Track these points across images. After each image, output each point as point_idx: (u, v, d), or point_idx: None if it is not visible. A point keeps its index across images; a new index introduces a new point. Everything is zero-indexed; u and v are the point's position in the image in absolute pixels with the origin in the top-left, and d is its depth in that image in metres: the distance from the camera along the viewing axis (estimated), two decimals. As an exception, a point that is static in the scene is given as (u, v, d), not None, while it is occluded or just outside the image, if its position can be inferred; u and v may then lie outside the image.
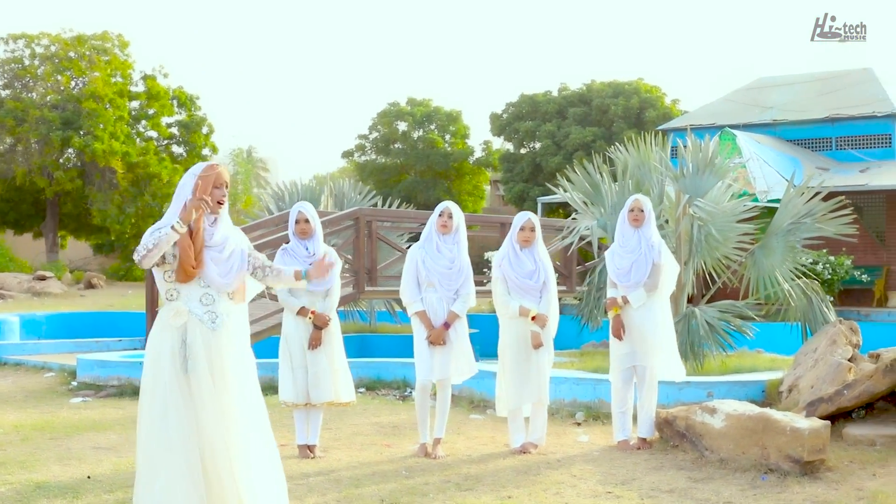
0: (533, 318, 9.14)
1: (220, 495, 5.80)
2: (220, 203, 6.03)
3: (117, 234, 39.51)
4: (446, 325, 8.98)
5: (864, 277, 25.69)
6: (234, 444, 5.88)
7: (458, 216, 9.16)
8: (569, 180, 15.81)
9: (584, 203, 15.63)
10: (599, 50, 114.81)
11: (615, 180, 15.52)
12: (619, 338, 9.36)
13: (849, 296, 25.44)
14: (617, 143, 16.10)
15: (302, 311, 8.81)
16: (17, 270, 35.15)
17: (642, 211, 9.44)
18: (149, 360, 5.98)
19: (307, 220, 8.90)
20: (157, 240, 5.79)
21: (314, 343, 8.81)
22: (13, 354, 16.10)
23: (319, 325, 8.83)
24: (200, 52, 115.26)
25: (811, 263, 22.03)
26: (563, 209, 36.20)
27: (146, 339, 16.16)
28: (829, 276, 23.86)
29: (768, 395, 10.89)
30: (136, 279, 40.01)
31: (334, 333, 8.97)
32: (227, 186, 6.06)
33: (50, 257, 39.40)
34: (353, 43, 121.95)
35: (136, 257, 5.86)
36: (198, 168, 6.05)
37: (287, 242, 9.02)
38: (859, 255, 26.20)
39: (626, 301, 9.35)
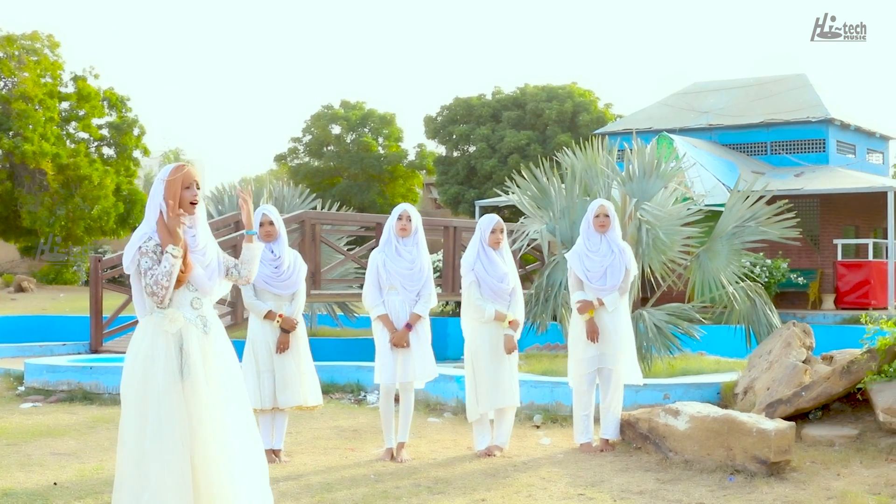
0: (510, 323, 9.18)
1: (210, 502, 5.74)
2: (192, 203, 5.89)
3: (47, 236, 38.98)
4: (409, 327, 8.98)
5: (801, 280, 26.08)
6: (227, 448, 5.81)
7: (417, 218, 9.18)
8: (516, 184, 15.86)
9: (532, 207, 15.69)
10: (533, 54, 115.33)
11: (562, 182, 15.60)
12: (595, 340, 9.39)
13: (784, 298, 25.83)
14: (564, 148, 16.16)
15: (269, 315, 8.77)
16: (-56, 274, 34.61)
17: (608, 216, 9.50)
18: (136, 368, 5.82)
19: (271, 223, 8.87)
20: (168, 273, 5.71)
21: (282, 347, 8.77)
22: (-46, 359, 15.86)
23: (287, 328, 8.80)
24: (131, 52, 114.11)
25: (750, 266, 22.33)
26: (498, 212, 36.34)
27: (91, 344, 15.94)
28: (767, 280, 24.19)
29: (723, 397, 11.01)
30: (66, 282, 39.54)
31: (301, 337, 8.95)
32: (198, 186, 5.93)
33: (-23, 260, 38.86)
34: (284, 46, 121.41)
35: (156, 299, 5.76)
36: (165, 172, 5.93)
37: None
38: (794, 259, 26.63)
39: (601, 303, 9.40)
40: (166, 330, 5.81)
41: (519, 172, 15.67)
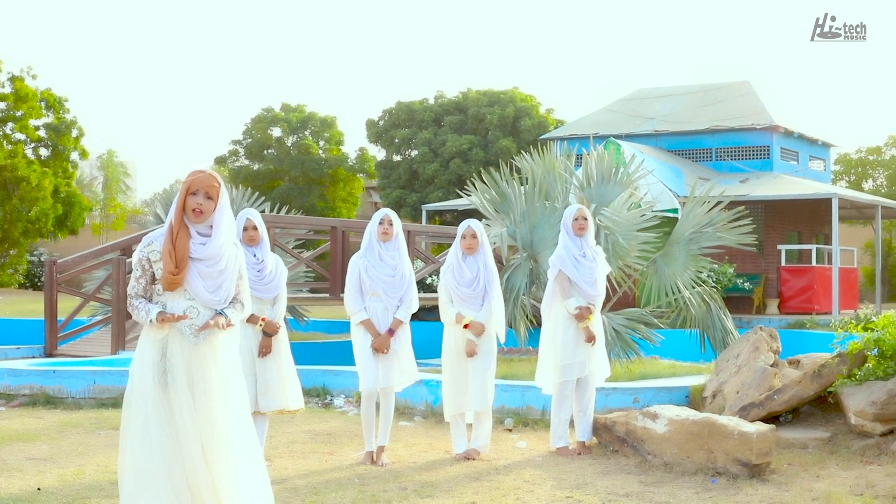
0: (465, 326, 9.21)
1: None
2: (195, 211, 5.74)
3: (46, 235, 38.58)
4: (390, 332, 8.99)
5: (747, 285, 26.41)
6: (216, 461, 5.72)
7: (398, 223, 9.19)
8: (475, 187, 15.92)
9: (491, 210, 15.76)
10: (475, 59, 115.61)
11: (522, 185, 15.69)
12: (594, 344, 9.50)
13: (729, 303, 26.03)
14: (524, 153, 16.25)
15: (251, 319, 8.71)
16: None
17: (586, 219, 9.58)
18: (133, 372, 5.82)
19: (255, 228, 8.81)
20: (139, 318, 5.82)
21: (264, 351, 8.74)
22: None
23: (270, 332, 8.76)
24: (69, 53, 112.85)
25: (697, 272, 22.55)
26: (440, 216, 36.41)
27: (45, 347, 15.77)
28: (714, 285, 24.45)
29: (692, 401, 11.12)
30: (2, 285, 39.05)
31: (282, 341, 8.91)
32: (208, 195, 5.75)
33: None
34: (225, 47, 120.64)
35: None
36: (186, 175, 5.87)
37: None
38: (739, 264, 26.96)
39: (591, 309, 9.52)
40: (153, 336, 5.78)
41: (464, 177, 15.81)
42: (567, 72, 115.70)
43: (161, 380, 5.71)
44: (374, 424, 9.07)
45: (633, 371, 13.91)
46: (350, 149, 50.64)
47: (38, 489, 7.80)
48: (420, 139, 42.21)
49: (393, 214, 9.17)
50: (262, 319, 8.74)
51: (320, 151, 47.05)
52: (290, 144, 47.15)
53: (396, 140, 43.35)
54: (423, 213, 32.58)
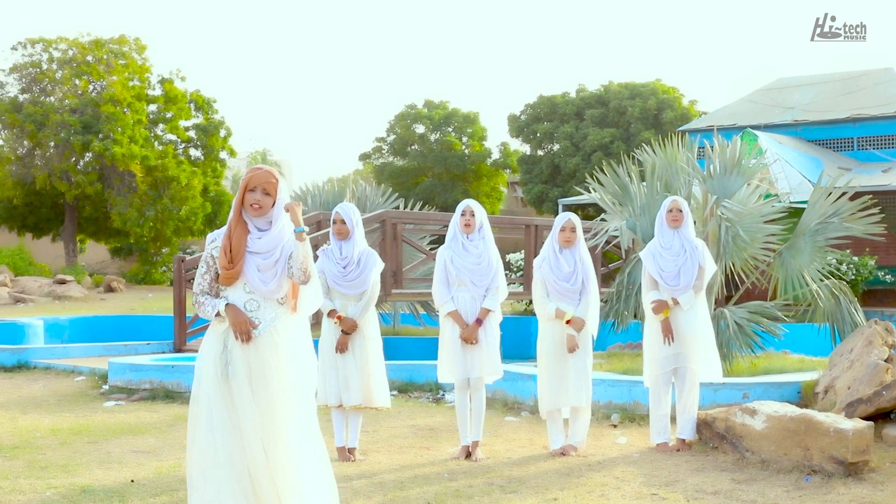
0: (568, 322, 9.12)
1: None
2: (253, 207, 5.86)
3: (137, 237, 39.54)
4: (479, 322, 8.97)
5: (888, 278, 25.64)
6: (275, 454, 5.78)
7: (480, 213, 9.17)
8: (598, 181, 15.79)
9: (613, 204, 15.62)
10: (617, 51, 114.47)
11: (642, 180, 15.51)
12: (672, 339, 9.31)
13: (872, 296, 25.38)
14: (644, 145, 16.07)
15: (331, 314, 8.80)
16: (36, 274, 35.31)
17: (681, 211, 9.42)
18: (197, 366, 5.97)
19: (343, 221, 8.88)
20: (205, 314, 5.96)
21: (340, 348, 8.79)
22: (42, 358, 16.12)
23: (346, 329, 8.79)
24: (217, 55, 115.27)
25: (836, 263, 21.99)
26: (582, 210, 36.19)
27: (174, 343, 16.17)
28: (853, 277, 23.82)
29: (804, 397, 10.85)
30: (155, 283, 40.08)
31: (370, 338, 8.92)
32: (265, 191, 5.86)
33: (69, 261, 39.41)
34: (368, 45, 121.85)
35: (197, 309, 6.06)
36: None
37: (328, 243, 9.05)
38: (882, 256, 26.16)
39: (676, 303, 9.31)
40: (216, 329, 5.89)
41: (602, 170, 15.62)
42: (709, 62, 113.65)
43: (223, 372, 5.80)
44: (468, 417, 9.06)
45: (756, 366, 13.62)
46: (493, 144, 50.50)
47: (132, 481, 8.00)
48: (562, 133, 42.02)
49: (475, 205, 9.15)
50: (338, 317, 8.78)
51: (463, 147, 47.20)
52: (433, 141, 47.39)
53: (538, 134, 43.21)
54: (560, 208, 32.40)
